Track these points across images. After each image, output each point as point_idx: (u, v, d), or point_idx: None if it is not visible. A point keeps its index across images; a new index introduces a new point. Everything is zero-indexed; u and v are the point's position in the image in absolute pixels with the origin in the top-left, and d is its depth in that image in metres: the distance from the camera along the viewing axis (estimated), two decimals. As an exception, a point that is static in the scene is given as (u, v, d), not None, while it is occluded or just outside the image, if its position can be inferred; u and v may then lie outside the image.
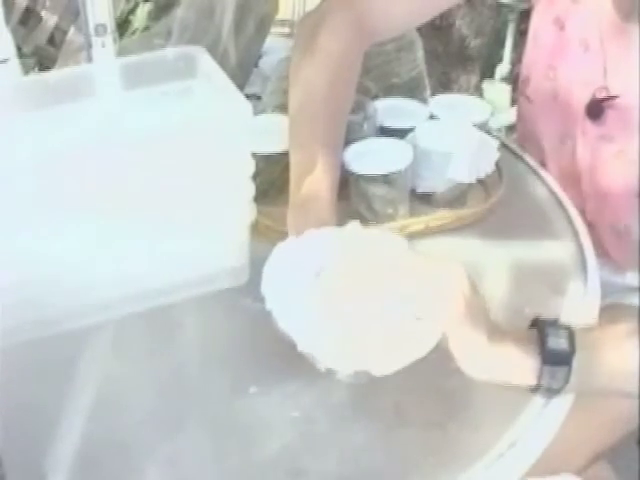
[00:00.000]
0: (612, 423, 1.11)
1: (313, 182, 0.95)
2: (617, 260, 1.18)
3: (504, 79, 2.63)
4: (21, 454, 0.81)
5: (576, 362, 0.80)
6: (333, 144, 1.02)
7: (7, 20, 1.13)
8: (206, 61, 0.97)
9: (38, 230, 0.88)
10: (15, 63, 1.13)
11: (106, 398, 0.88)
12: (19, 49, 1.25)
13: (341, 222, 0.98)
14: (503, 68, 2.64)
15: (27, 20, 2.38)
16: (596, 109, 1.11)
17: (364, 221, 1.06)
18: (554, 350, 0.80)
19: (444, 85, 2.57)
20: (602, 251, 1.13)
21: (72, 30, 2.29)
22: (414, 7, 1.12)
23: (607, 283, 1.07)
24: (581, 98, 1.14)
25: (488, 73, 2.65)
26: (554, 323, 0.82)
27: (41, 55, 2.35)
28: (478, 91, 2.59)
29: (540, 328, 0.81)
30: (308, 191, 0.94)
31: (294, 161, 0.99)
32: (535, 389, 0.81)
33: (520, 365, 0.80)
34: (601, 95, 1.10)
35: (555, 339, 0.80)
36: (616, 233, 1.15)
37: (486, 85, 2.64)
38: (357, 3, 1.09)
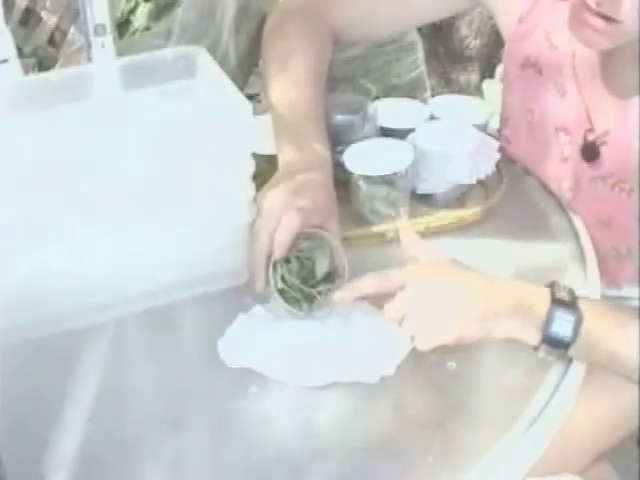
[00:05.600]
0: (613, 423, 1.11)
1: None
2: (616, 279, 1.18)
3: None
4: (21, 454, 0.80)
5: (574, 350, 0.87)
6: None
7: (7, 20, 1.13)
8: (206, 61, 0.97)
9: (37, 230, 0.88)
10: (15, 63, 1.13)
11: (106, 398, 0.88)
12: (19, 49, 1.25)
13: (341, 224, 0.99)
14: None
15: (27, 20, 2.38)
16: (591, 151, 1.10)
17: (365, 222, 1.07)
18: (556, 335, 0.86)
19: (444, 85, 2.57)
20: (599, 267, 1.13)
21: (72, 30, 2.30)
22: (380, 16, 1.19)
23: (603, 296, 1.07)
24: (562, 142, 1.13)
25: (488, 73, 2.65)
26: (565, 304, 0.87)
27: (41, 55, 2.35)
28: (478, 91, 2.58)
29: (550, 308, 0.86)
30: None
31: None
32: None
33: (521, 334, 0.87)
34: (591, 137, 1.09)
35: (560, 323, 0.86)
36: (617, 255, 1.14)
37: (486, 85, 2.63)
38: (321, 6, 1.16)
